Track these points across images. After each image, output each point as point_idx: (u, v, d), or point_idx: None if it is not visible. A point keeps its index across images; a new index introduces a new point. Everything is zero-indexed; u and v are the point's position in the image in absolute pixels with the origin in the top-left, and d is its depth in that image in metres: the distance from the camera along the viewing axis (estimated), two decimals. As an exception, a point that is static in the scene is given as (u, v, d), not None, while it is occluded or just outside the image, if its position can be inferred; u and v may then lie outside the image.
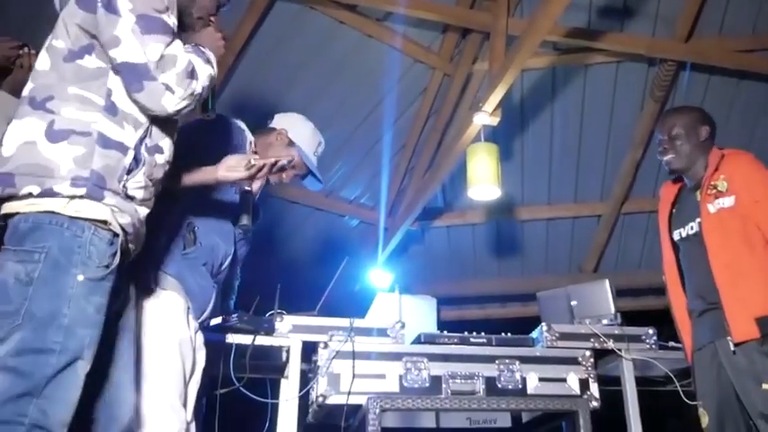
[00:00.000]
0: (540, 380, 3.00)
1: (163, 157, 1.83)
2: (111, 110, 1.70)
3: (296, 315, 2.97)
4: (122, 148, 1.70)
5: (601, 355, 3.23)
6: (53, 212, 1.59)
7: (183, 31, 1.95)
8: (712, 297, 2.63)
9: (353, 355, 2.86)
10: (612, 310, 3.36)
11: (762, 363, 2.48)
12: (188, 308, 2.24)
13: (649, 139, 6.13)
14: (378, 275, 6.52)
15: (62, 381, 1.51)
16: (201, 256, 2.28)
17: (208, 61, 1.85)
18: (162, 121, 1.81)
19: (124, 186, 1.68)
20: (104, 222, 1.63)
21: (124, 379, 1.80)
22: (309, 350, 2.94)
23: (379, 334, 3.01)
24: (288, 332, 2.89)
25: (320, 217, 6.74)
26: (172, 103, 1.72)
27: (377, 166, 6.35)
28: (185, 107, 1.76)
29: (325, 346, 2.86)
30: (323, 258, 5.74)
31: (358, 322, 3.00)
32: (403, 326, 3.04)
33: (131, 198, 1.71)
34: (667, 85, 5.75)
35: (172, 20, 1.78)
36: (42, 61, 1.73)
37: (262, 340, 2.83)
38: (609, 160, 6.52)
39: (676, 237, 2.86)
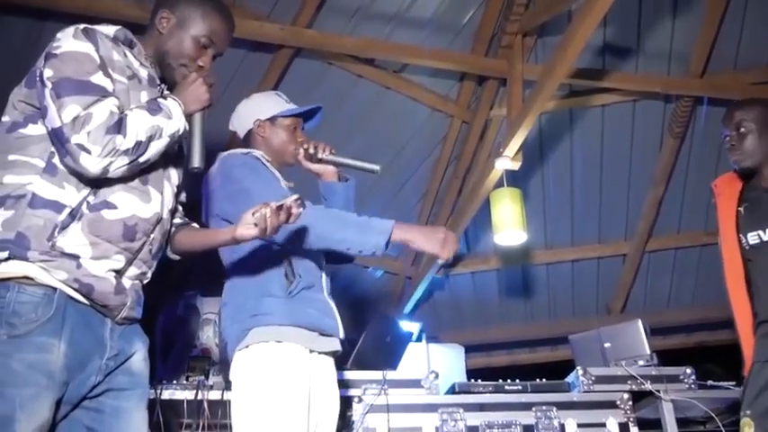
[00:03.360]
0: (579, 426, 2.96)
1: (117, 213, 1.70)
2: (50, 171, 1.64)
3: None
4: (57, 207, 1.63)
5: (638, 397, 3.18)
6: None
7: (173, 84, 1.88)
8: None
9: (388, 408, 2.84)
10: (648, 350, 3.33)
11: None
12: (309, 350, 2.21)
13: (670, 175, 6.13)
14: (405, 325, 6.48)
15: None
16: (305, 284, 2.26)
17: (165, 115, 1.71)
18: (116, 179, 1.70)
19: (53, 245, 1.60)
20: (29, 278, 1.57)
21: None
22: (343, 405, 2.92)
23: (412, 385, 2.99)
24: (321, 387, 2.87)
25: (345, 270, 6.74)
26: (92, 164, 1.60)
27: (399, 215, 6.33)
28: (110, 164, 1.62)
29: (360, 400, 2.85)
30: (349, 311, 5.71)
31: (391, 374, 2.98)
32: (437, 376, 3.02)
33: (71, 256, 1.63)
34: (685, 121, 5.76)
35: (106, 80, 1.69)
36: None
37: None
38: (631, 199, 6.49)
39: (752, 240, 2.60)
